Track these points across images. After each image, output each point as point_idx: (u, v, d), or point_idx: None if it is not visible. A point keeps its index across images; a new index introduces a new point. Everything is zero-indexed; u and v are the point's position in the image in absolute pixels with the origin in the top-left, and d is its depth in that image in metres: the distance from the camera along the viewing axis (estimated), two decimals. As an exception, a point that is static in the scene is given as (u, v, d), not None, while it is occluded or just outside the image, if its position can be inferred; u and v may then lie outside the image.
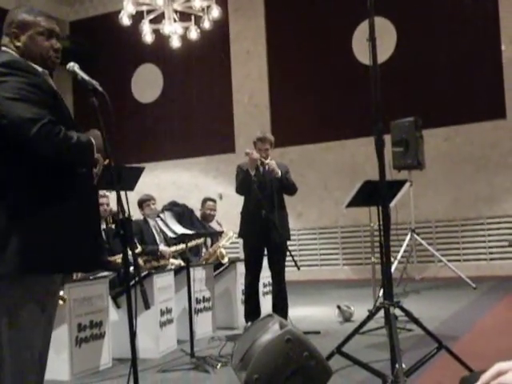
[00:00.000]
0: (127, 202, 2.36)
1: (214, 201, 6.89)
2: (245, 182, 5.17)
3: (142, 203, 6.15)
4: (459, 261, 9.10)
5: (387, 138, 3.86)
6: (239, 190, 5.31)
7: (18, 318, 2.15)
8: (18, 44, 2.30)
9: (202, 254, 6.29)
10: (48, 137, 2.12)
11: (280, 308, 5.25)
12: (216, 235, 6.22)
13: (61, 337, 3.94)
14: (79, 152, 2.25)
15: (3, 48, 2.33)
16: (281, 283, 5.27)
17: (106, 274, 4.74)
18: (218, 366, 4.03)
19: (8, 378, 2.14)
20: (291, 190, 5.34)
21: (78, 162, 2.29)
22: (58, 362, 3.92)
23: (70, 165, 2.27)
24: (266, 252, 5.30)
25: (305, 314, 5.81)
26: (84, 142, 2.25)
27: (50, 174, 2.19)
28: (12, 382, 2.14)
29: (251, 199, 5.23)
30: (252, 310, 5.19)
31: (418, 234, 7.88)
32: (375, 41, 3.50)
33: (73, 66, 2.35)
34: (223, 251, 6.28)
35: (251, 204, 5.23)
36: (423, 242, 7.88)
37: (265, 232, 5.05)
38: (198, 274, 5.24)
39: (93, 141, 2.30)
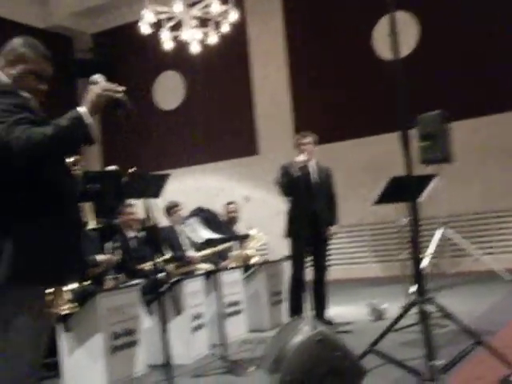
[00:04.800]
0: (154, 210, 2.37)
1: (234, 203, 6.94)
2: (290, 185, 5.40)
3: (169, 210, 6.19)
4: (493, 253, 8.92)
5: (413, 133, 3.81)
6: (284, 192, 5.49)
7: (13, 327, 2.18)
8: (11, 72, 2.35)
9: (230, 258, 6.31)
10: (32, 147, 2.08)
11: (320, 307, 5.46)
12: (243, 238, 6.23)
13: (96, 346, 3.99)
14: (63, 142, 2.14)
15: None
16: (324, 282, 5.53)
17: (137, 281, 4.78)
18: (251, 369, 4.02)
19: None
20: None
21: (73, 146, 2.23)
22: (95, 371, 3.97)
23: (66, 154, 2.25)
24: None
25: (335, 313, 5.77)
26: (64, 124, 2.12)
27: (39, 193, 2.23)
28: None
29: (299, 198, 5.42)
30: (298, 307, 5.34)
31: (449, 228, 7.78)
32: (397, 36, 3.47)
33: (97, 77, 2.35)
34: (251, 253, 6.30)
35: (299, 203, 5.41)
36: (455, 235, 7.77)
37: (312, 230, 5.32)
38: (227, 277, 5.24)
39: (81, 110, 2.17)
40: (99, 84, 2.27)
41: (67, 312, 4.02)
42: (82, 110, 2.17)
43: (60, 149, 2.18)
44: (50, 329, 2.38)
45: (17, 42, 2.39)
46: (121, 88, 2.27)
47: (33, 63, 2.36)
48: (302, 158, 5.42)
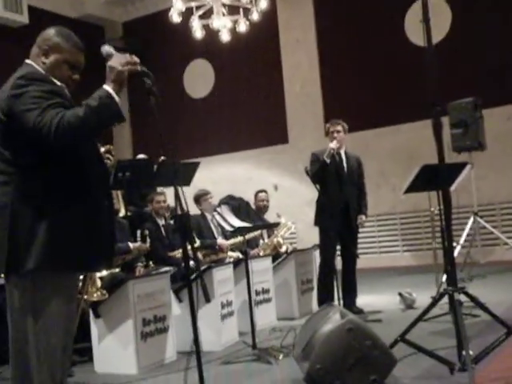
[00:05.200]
0: (184, 198, 2.38)
1: (265, 191, 6.93)
2: (320, 172, 5.41)
3: (199, 198, 6.22)
4: (526, 243, 8.76)
5: (445, 120, 3.76)
6: (314, 180, 5.46)
7: (44, 310, 2.22)
8: (45, 61, 2.38)
9: (261, 246, 6.32)
10: (66, 129, 2.12)
11: (350, 296, 5.44)
12: (273, 227, 6.24)
13: (127, 332, 4.05)
14: (96, 121, 2.16)
15: (27, 60, 2.41)
16: (353, 271, 5.53)
17: (167, 269, 4.83)
18: (280, 357, 4.03)
19: (35, 368, 2.22)
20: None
21: (105, 125, 2.26)
22: (125, 357, 4.04)
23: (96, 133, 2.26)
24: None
25: (365, 302, 5.75)
26: (95, 104, 2.14)
27: (71, 179, 2.26)
28: (38, 373, 2.21)
29: (329, 187, 5.43)
30: (328, 295, 5.34)
31: (481, 217, 7.65)
32: (429, 22, 3.41)
33: (108, 49, 2.30)
34: (280, 241, 6.31)
35: (330, 191, 5.42)
36: (487, 224, 7.65)
37: (342, 218, 5.37)
38: (257, 265, 5.26)
39: (109, 89, 2.17)
40: (115, 58, 2.25)
41: (97, 299, 4.09)
42: (109, 88, 2.19)
43: (93, 128, 2.20)
44: (77, 313, 2.43)
45: (51, 32, 2.42)
46: (136, 59, 2.27)
47: (66, 53, 2.39)
48: (333, 144, 5.41)
